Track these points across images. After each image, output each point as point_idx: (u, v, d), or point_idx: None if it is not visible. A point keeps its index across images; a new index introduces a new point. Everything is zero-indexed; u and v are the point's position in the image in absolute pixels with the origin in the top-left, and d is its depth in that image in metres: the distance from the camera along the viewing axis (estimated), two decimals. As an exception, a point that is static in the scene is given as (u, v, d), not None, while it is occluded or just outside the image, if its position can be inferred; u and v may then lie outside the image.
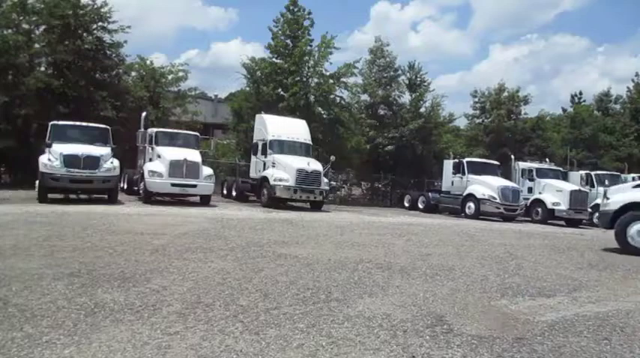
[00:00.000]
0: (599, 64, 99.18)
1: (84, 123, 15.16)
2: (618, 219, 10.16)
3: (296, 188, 16.24)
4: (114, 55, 22.42)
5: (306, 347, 3.37)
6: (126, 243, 7.14)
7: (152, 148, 16.02)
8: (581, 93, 41.59)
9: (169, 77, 25.25)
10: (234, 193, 19.82)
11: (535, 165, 22.70)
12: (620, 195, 10.74)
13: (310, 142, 18.72)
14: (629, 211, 10.06)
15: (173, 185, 14.72)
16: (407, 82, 29.66)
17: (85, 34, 21.25)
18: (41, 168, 12.95)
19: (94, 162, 13.32)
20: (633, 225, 9.87)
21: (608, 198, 10.86)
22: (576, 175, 23.54)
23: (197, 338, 3.41)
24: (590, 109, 38.05)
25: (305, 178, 16.46)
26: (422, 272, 6.36)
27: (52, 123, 14.56)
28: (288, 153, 17.47)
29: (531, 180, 21.75)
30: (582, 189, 21.07)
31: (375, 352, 3.38)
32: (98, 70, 21.86)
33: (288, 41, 24.31)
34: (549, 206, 20.21)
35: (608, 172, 24.42)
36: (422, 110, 28.98)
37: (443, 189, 22.48)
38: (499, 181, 20.21)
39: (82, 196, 14.79)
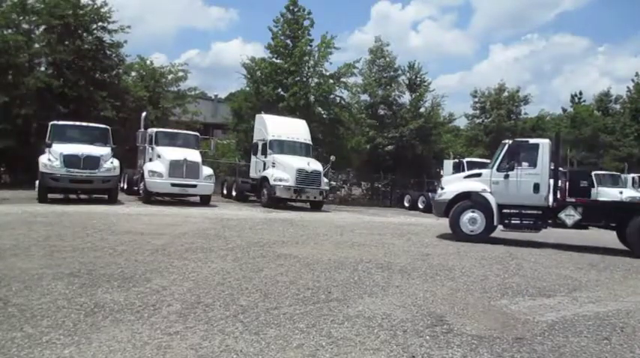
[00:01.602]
0: (599, 64, 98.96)
1: (84, 123, 15.15)
2: (452, 208, 10.66)
3: (296, 188, 16.23)
4: (114, 55, 22.40)
5: (306, 347, 3.37)
6: (126, 243, 7.14)
7: (152, 148, 16.01)
8: (581, 93, 41.58)
9: (169, 77, 25.24)
10: (234, 193, 19.78)
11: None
12: (453, 185, 11.26)
13: (310, 142, 18.71)
14: (462, 201, 10.62)
15: (173, 185, 14.71)
16: (407, 81, 29.61)
17: (84, 34, 21.24)
18: (41, 168, 12.93)
19: (94, 162, 13.31)
20: (465, 213, 10.46)
21: (442, 188, 11.42)
22: None
23: (197, 338, 3.42)
24: (590, 109, 38.00)
25: (305, 178, 16.45)
26: (422, 272, 6.36)
27: (52, 123, 14.54)
28: (288, 153, 17.46)
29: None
30: None
31: (375, 352, 3.38)
32: (98, 70, 21.82)
33: (288, 41, 24.30)
34: None
35: (608, 172, 24.42)
36: (422, 110, 28.95)
37: (443, 189, 22.43)
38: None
39: (82, 196, 14.79)
